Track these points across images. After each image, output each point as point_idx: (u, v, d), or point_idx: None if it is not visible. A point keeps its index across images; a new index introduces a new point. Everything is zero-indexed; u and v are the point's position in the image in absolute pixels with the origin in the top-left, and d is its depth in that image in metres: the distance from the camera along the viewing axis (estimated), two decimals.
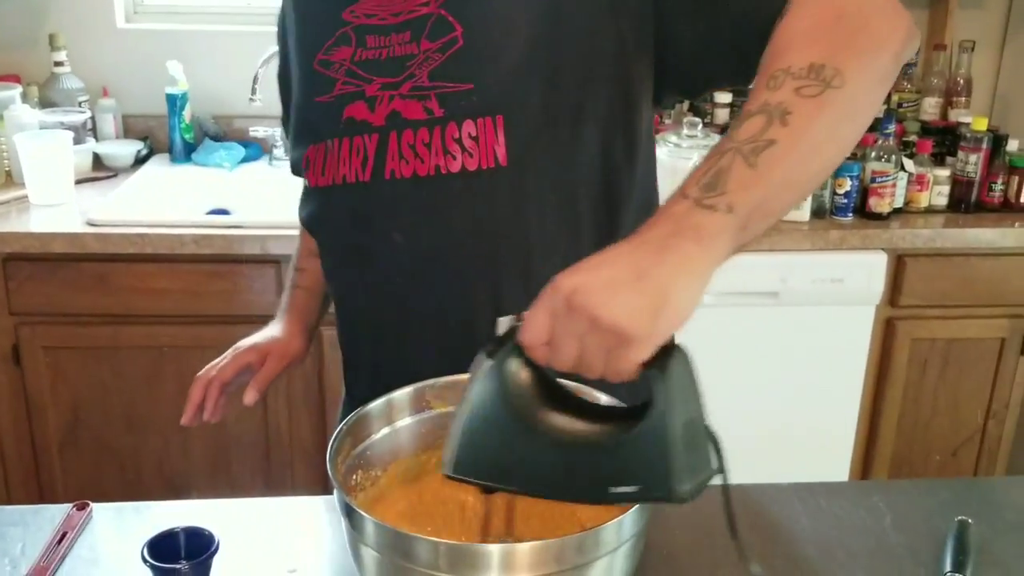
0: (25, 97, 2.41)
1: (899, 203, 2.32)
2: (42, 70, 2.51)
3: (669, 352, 0.72)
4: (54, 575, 0.98)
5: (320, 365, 2.12)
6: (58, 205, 2.20)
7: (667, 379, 0.71)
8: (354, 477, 0.92)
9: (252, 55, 2.41)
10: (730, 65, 0.93)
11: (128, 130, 2.63)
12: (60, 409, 2.16)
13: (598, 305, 0.69)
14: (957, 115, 2.59)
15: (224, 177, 2.48)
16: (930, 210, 2.36)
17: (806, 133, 0.78)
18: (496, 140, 0.97)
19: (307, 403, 2.19)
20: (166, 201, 2.32)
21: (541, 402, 0.77)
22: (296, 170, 1.18)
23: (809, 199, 2.23)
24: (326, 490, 1.00)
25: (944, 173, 2.36)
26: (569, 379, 0.79)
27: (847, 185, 2.25)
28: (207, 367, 1.21)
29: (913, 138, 2.45)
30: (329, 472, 0.82)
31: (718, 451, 0.75)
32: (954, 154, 2.41)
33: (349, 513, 0.79)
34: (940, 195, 2.36)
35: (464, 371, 0.78)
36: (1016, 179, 2.36)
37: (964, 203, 2.36)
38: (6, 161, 2.35)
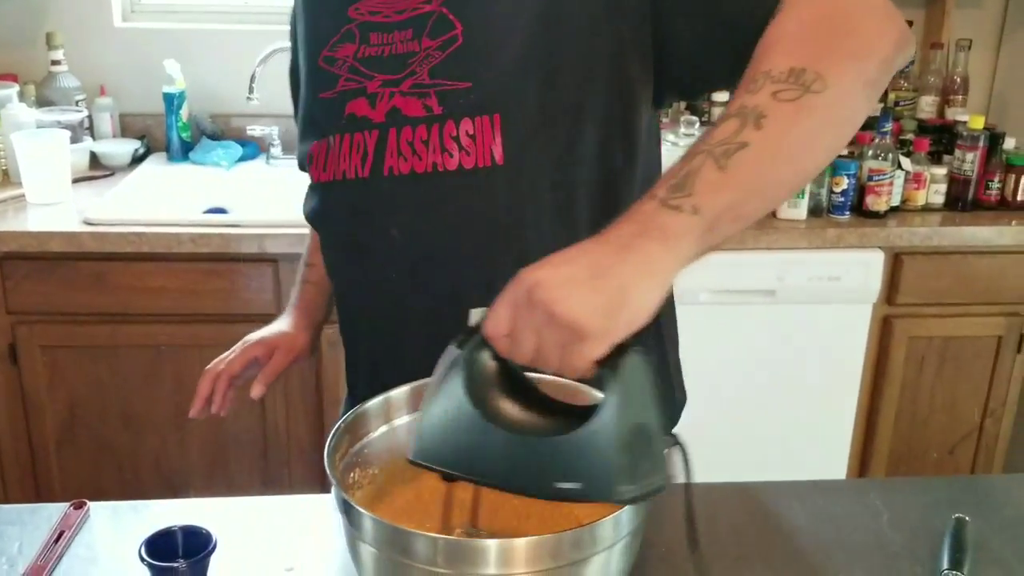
0: (22, 96, 2.40)
1: (896, 201, 2.33)
2: (39, 69, 2.51)
3: (625, 354, 0.72)
4: (51, 574, 0.98)
5: (318, 364, 2.12)
6: (55, 204, 2.20)
7: (616, 381, 0.72)
8: (351, 475, 0.92)
9: (249, 54, 2.41)
10: (727, 66, 0.93)
11: (125, 129, 2.63)
12: (57, 408, 2.16)
13: (556, 300, 0.70)
14: (954, 113, 2.59)
15: (221, 176, 2.48)
16: (927, 208, 2.37)
17: (780, 137, 0.77)
18: (493, 139, 0.97)
19: (305, 402, 2.19)
20: (163, 200, 2.32)
21: (502, 393, 0.78)
22: (302, 166, 1.18)
23: (806, 197, 2.24)
24: (324, 489, 1.00)
25: (941, 171, 2.36)
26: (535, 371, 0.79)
27: (844, 183, 2.25)
28: (215, 361, 1.23)
29: (910, 136, 2.45)
30: (327, 469, 0.82)
31: (686, 459, 0.76)
32: (951, 152, 2.41)
33: (347, 510, 0.79)
34: (937, 193, 2.37)
35: None
36: (1013, 177, 2.36)
37: (961, 201, 2.36)
38: (3, 160, 2.35)
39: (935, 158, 2.43)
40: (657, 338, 1.17)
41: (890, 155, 2.28)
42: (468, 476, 0.79)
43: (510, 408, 0.78)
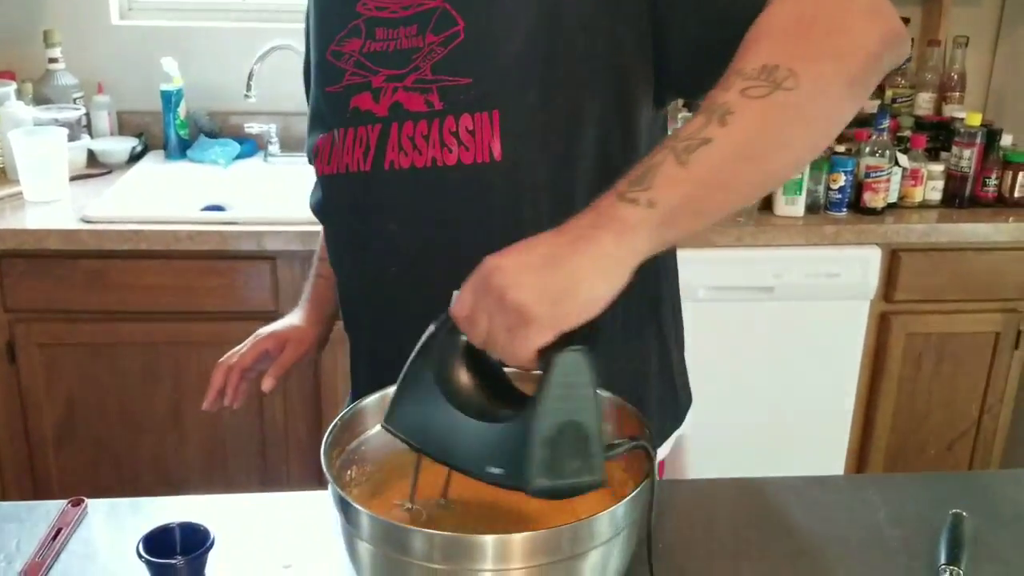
0: (20, 94, 2.40)
1: (893, 198, 2.33)
2: (37, 67, 2.50)
3: (563, 350, 0.73)
4: (49, 571, 0.98)
5: (316, 362, 2.12)
6: (53, 202, 2.20)
7: (549, 375, 0.73)
8: (348, 473, 0.92)
9: (247, 51, 2.41)
10: (722, 65, 0.93)
11: (123, 127, 2.62)
12: (55, 405, 2.16)
13: (507, 286, 0.72)
14: (951, 110, 2.60)
15: (219, 173, 2.48)
16: (924, 205, 2.37)
17: (744, 134, 0.77)
18: (492, 135, 0.97)
19: (303, 400, 2.19)
20: (161, 197, 2.32)
21: (465, 374, 0.80)
22: (310, 159, 1.19)
23: (804, 194, 2.24)
24: (321, 487, 1.00)
25: (938, 168, 2.37)
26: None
27: (841, 180, 2.26)
28: (228, 354, 1.25)
29: (907, 133, 2.45)
30: (324, 466, 0.82)
31: (650, 473, 0.78)
32: (948, 149, 2.41)
33: (344, 507, 0.79)
34: (934, 190, 2.37)
35: None
36: (1010, 174, 2.36)
37: (958, 198, 2.36)
38: (0, 158, 2.35)
39: (932, 155, 2.44)
40: (659, 339, 1.17)
41: (887, 152, 2.28)
42: (422, 449, 0.82)
43: (467, 389, 0.80)
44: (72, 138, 2.36)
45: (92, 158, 2.50)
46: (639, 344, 1.14)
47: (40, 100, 2.47)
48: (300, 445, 2.23)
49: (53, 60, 2.48)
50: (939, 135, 2.48)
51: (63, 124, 2.35)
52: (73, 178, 2.31)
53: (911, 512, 1.10)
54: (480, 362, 0.80)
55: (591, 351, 0.73)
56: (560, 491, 0.74)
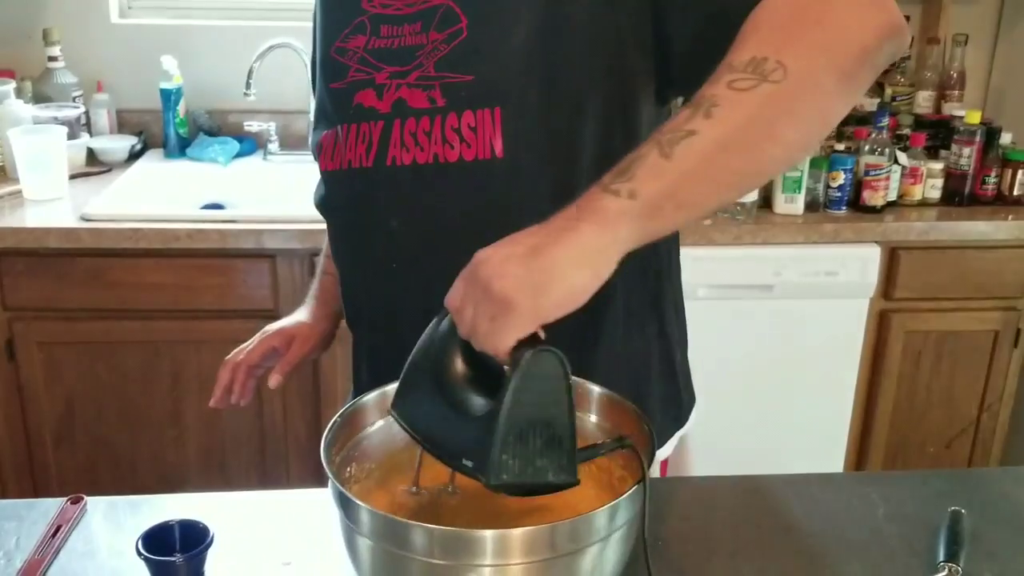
0: (19, 92, 2.40)
1: (893, 196, 2.33)
2: (36, 65, 2.50)
3: (533, 348, 0.73)
4: (49, 568, 0.98)
5: (316, 361, 2.12)
6: (52, 200, 2.20)
7: (518, 370, 0.73)
8: (348, 469, 0.92)
9: (247, 50, 2.40)
10: (720, 60, 0.93)
11: (122, 125, 2.62)
12: (54, 404, 2.16)
13: (492, 276, 0.73)
14: (951, 108, 2.60)
15: (218, 172, 2.48)
16: (924, 203, 2.37)
17: (729, 126, 0.77)
18: (494, 132, 0.97)
19: (302, 399, 2.19)
20: (160, 196, 2.32)
21: (457, 364, 0.81)
22: (314, 155, 1.19)
23: (803, 192, 2.24)
24: (320, 485, 1.00)
25: (938, 166, 2.36)
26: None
27: (841, 178, 2.26)
28: (235, 351, 1.25)
29: (907, 131, 2.45)
30: (323, 462, 0.82)
31: (644, 479, 0.77)
32: (948, 147, 2.41)
33: (343, 503, 0.79)
34: (934, 188, 2.37)
35: None
36: (1009, 172, 2.36)
37: (958, 196, 2.36)
38: (0, 156, 2.34)
39: (932, 153, 2.44)
40: (662, 339, 1.17)
41: (887, 150, 2.28)
42: (416, 437, 0.82)
43: (459, 380, 0.80)
44: (71, 136, 2.36)
45: (91, 156, 2.50)
46: (641, 344, 1.14)
47: (40, 98, 2.47)
48: (299, 444, 2.23)
49: (53, 58, 2.48)
50: (938, 133, 2.48)
51: (62, 122, 2.34)
52: (72, 176, 2.31)
53: (910, 509, 1.10)
54: (476, 354, 0.80)
55: (563, 353, 0.74)
56: (524, 488, 0.75)
